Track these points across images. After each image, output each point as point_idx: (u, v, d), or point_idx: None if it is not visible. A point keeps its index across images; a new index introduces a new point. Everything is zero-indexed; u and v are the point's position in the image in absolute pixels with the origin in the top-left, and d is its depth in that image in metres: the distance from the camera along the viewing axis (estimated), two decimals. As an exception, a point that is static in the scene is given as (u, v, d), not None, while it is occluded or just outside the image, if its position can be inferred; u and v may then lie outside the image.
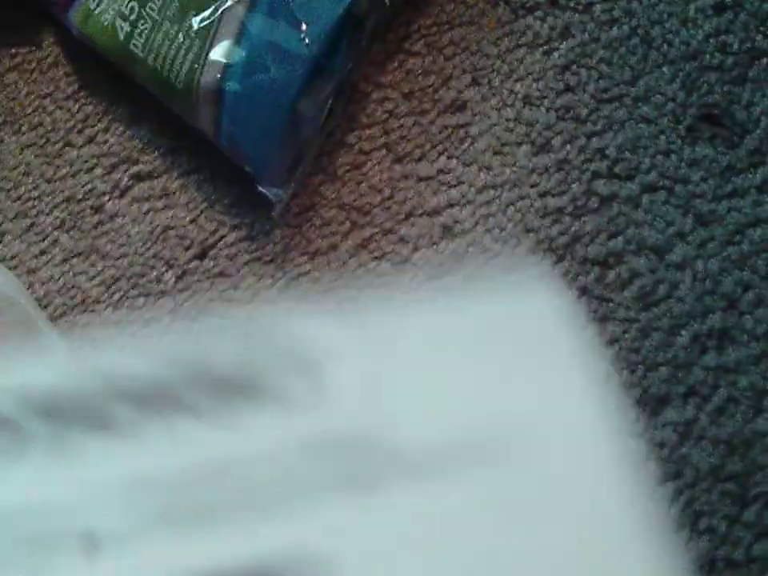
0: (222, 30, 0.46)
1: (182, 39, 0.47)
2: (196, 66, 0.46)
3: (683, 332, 0.48)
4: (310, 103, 0.47)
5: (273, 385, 0.23)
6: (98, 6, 0.48)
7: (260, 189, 0.47)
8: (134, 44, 0.47)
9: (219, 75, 0.46)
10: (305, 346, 0.23)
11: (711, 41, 0.52)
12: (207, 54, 0.46)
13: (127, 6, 0.48)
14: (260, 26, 0.46)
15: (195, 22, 0.47)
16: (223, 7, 0.46)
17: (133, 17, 0.48)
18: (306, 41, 0.46)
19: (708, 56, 0.52)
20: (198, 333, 0.23)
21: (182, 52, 0.47)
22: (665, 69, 0.52)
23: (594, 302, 0.48)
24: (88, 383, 0.22)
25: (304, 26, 0.46)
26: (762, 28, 0.53)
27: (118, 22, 0.48)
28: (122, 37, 0.48)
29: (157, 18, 0.47)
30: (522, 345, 0.23)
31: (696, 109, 0.51)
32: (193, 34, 0.47)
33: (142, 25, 0.47)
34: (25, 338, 0.45)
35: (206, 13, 0.47)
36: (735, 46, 0.52)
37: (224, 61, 0.46)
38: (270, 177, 0.47)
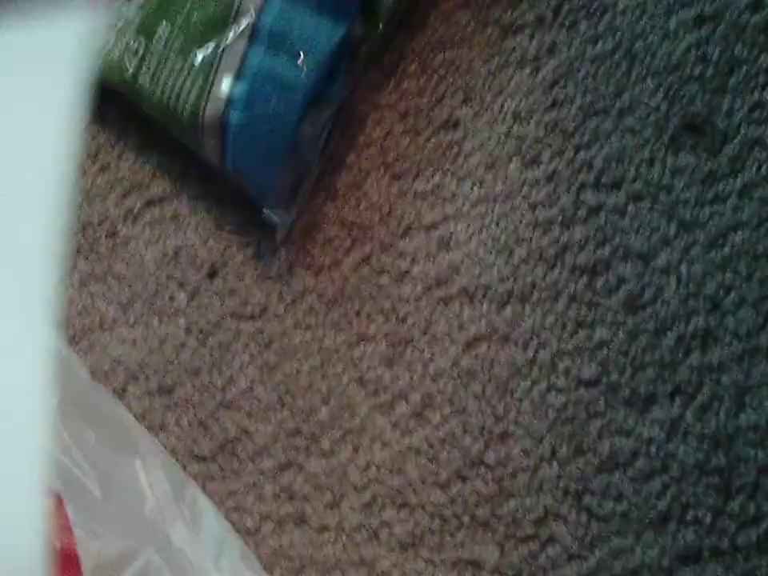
0: (223, 63, 0.49)
1: (186, 73, 0.49)
2: (200, 98, 0.49)
3: (669, 333, 0.51)
4: (310, 129, 0.50)
5: None
6: (105, 44, 0.51)
7: (264, 212, 0.50)
8: (141, 78, 0.50)
9: (222, 107, 0.49)
10: None
11: (692, 52, 0.55)
12: (211, 88, 0.49)
13: (135, 41, 0.50)
14: (260, 59, 0.49)
15: (198, 55, 0.49)
16: (224, 42, 0.49)
17: (141, 52, 0.50)
18: (305, 70, 0.49)
19: (689, 67, 0.54)
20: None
21: (187, 85, 0.49)
22: (648, 81, 0.54)
23: (583, 307, 0.51)
24: None
25: (302, 57, 0.49)
26: (740, 38, 0.55)
27: (127, 57, 0.50)
28: (130, 72, 0.50)
29: (163, 52, 0.50)
30: None
31: (678, 119, 0.53)
32: (197, 68, 0.49)
33: (149, 60, 0.50)
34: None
35: (209, 47, 0.49)
36: (715, 57, 0.54)
37: (226, 93, 0.49)
38: (273, 200, 0.50)
